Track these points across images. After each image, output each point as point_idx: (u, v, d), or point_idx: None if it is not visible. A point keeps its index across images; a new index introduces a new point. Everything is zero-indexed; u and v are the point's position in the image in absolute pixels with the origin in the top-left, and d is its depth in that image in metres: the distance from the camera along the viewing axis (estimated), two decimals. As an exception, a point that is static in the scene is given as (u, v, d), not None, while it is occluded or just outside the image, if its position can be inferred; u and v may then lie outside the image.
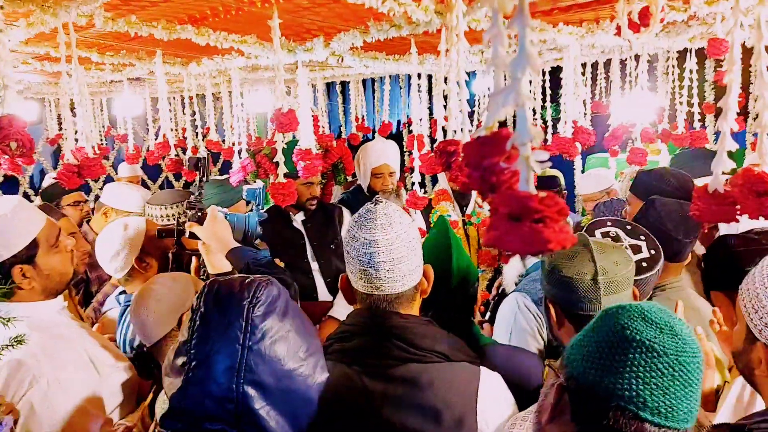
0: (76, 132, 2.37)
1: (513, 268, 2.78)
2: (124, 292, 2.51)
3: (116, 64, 3.43)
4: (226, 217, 2.17)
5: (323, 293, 3.29)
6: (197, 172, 2.57)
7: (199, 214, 2.22)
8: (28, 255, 1.78)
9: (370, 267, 1.46)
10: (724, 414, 1.69)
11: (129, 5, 2.17)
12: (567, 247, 0.71)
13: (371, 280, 1.48)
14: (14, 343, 1.30)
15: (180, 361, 1.16)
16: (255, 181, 4.12)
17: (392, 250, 1.47)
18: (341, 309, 3.10)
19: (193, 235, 2.15)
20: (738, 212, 1.24)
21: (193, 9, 2.27)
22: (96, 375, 1.80)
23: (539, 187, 0.70)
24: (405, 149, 5.92)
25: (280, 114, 2.14)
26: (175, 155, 3.37)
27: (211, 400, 1.12)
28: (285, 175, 2.27)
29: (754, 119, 4.17)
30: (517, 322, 2.16)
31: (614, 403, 0.93)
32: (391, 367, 1.42)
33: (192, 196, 2.39)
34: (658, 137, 4.12)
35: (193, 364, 1.14)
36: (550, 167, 3.61)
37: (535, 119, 4.70)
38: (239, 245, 2.07)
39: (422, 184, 3.73)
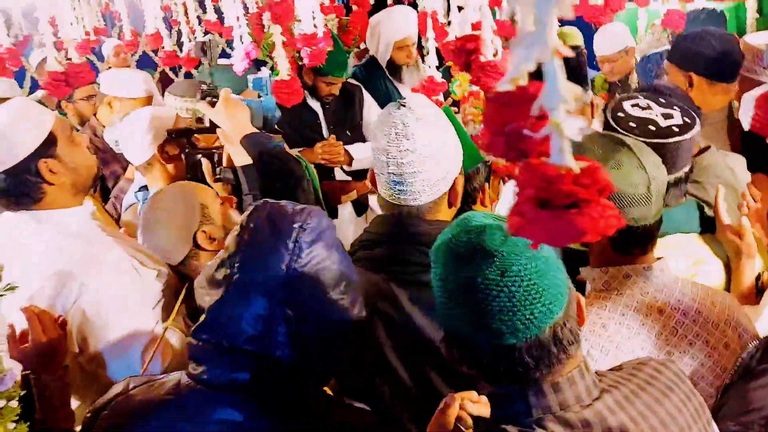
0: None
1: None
2: (143, 188, 2.47)
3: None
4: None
5: (340, 174, 3.28)
6: (204, 57, 2.34)
7: (215, 101, 2.02)
8: (49, 149, 1.71)
9: (388, 175, 1.42)
10: None
11: None
12: (609, 235, 0.57)
13: (390, 188, 1.44)
14: (4, 293, 1.22)
15: (221, 273, 1.14)
16: (260, 70, 3.88)
17: (405, 164, 1.39)
18: (357, 149, 3.17)
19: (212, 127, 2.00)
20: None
21: None
22: (139, 279, 1.79)
23: None
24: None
25: (273, 3, 1.91)
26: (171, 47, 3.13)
27: (249, 314, 1.11)
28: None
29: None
30: None
31: (494, 341, 0.93)
32: (417, 273, 1.40)
33: (204, 85, 2.20)
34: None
35: (236, 277, 1.12)
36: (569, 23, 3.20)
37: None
38: (255, 131, 1.92)
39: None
